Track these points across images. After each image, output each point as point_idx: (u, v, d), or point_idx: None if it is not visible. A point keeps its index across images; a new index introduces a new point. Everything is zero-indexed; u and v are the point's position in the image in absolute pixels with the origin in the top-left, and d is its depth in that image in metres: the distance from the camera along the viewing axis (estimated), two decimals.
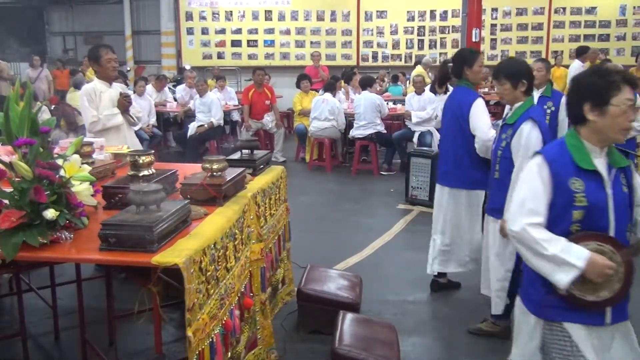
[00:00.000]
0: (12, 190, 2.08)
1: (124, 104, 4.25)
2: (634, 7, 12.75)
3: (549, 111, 4.91)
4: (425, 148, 6.97)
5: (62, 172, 2.23)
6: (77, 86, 9.07)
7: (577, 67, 9.75)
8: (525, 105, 3.09)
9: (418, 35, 13.42)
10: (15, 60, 13.41)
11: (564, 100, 4.89)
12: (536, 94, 4.98)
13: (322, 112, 8.10)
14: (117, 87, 4.40)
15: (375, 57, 13.55)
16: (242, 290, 2.54)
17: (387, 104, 8.42)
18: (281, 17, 13.71)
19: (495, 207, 3.18)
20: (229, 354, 2.32)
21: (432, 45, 13.37)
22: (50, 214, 2.03)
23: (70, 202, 2.17)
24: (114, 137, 4.12)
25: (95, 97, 4.20)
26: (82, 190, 2.31)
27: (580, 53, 9.93)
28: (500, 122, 3.29)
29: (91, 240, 2.06)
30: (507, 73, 3.12)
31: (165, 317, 3.30)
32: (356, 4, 13.43)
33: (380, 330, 3.12)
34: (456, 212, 3.82)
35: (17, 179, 2.10)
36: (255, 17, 13.79)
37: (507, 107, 3.32)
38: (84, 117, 4.29)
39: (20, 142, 2.11)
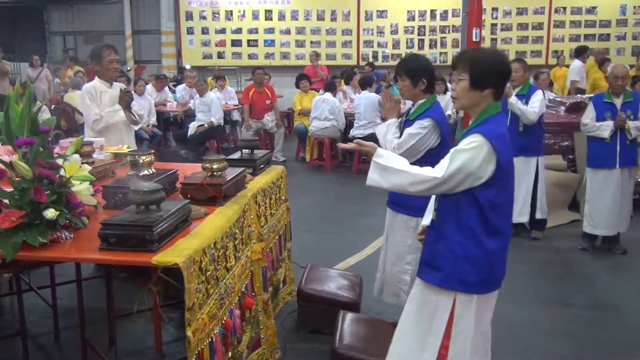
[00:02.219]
0: (12, 190, 2.08)
1: (125, 99, 4.24)
2: (634, 7, 12.75)
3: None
4: None
5: (62, 172, 2.23)
6: (76, 86, 9.10)
7: (577, 66, 9.75)
8: (427, 103, 3.10)
9: (418, 34, 13.41)
10: (15, 60, 13.41)
11: (537, 94, 4.94)
12: (512, 93, 4.99)
13: (323, 111, 8.10)
14: (118, 87, 4.39)
15: (375, 57, 13.54)
16: (243, 290, 2.54)
17: None
18: (281, 17, 13.71)
19: (393, 200, 3.26)
20: (230, 353, 2.32)
21: (433, 45, 13.36)
22: (50, 213, 2.03)
23: (70, 201, 2.17)
24: (112, 137, 4.11)
25: (96, 96, 4.20)
26: (82, 190, 2.31)
27: (580, 53, 9.95)
28: (404, 117, 3.27)
29: (91, 239, 2.06)
30: (407, 69, 3.10)
31: (165, 316, 3.31)
32: (356, 4, 13.42)
33: (380, 330, 3.12)
34: None
35: (17, 179, 2.10)
36: (255, 16, 13.79)
37: (409, 103, 3.33)
38: (86, 116, 4.28)
39: (20, 142, 2.11)
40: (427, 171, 2.14)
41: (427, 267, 2.24)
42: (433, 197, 2.40)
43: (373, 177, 2.23)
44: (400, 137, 3.13)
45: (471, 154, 2.05)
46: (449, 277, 2.15)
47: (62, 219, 2.08)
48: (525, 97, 4.95)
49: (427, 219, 2.38)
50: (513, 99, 4.86)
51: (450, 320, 2.16)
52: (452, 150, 2.11)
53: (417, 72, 3.08)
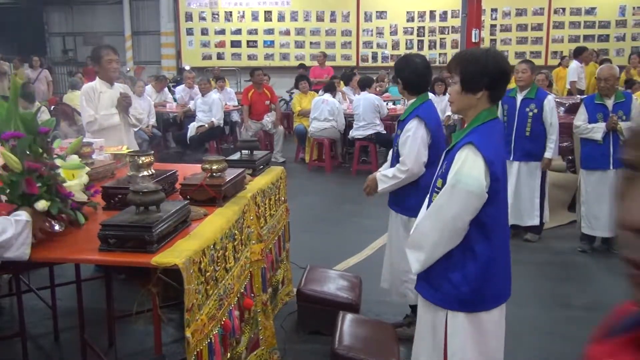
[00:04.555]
0: (2, 186, 2.08)
1: (122, 103, 4.25)
2: (634, 8, 12.76)
3: (530, 113, 4.92)
4: None
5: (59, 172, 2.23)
6: (75, 87, 9.11)
7: (574, 67, 9.78)
8: (416, 103, 3.17)
9: (418, 35, 13.43)
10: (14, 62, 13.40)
11: (549, 102, 4.87)
12: (519, 96, 4.98)
13: (322, 112, 8.10)
14: (119, 88, 4.38)
15: (375, 58, 13.56)
16: (242, 290, 2.54)
17: (387, 104, 8.42)
18: (281, 18, 13.71)
19: (393, 200, 3.30)
20: (229, 354, 2.32)
21: (432, 45, 13.38)
22: (41, 204, 2.02)
23: (60, 193, 2.17)
24: (111, 137, 4.11)
25: (94, 97, 4.20)
26: (73, 185, 2.31)
27: (578, 53, 9.99)
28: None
29: (91, 240, 2.06)
30: (396, 72, 3.25)
31: (165, 317, 3.30)
32: (356, 5, 13.44)
33: (380, 331, 3.12)
34: None
35: (5, 173, 2.09)
36: (254, 17, 13.80)
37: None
38: (82, 117, 4.30)
39: (6, 135, 2.08)
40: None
41: (424, 281, 2.20)
42: (425, 204, 2.38)
43: (415, 263, 2.18)
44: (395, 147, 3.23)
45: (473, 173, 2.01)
46: (445, 297, 2.10)
47: (55, 208, 2.07)
48: (533, 100, 4.90)
49: None
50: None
51: (445, 338, 2.12)
52: (451, 183, 2.04)
53: (396, 73, 3.24)
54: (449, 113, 8.14)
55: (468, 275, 2.05)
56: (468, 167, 1.99)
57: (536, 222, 5.07)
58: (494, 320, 2.14)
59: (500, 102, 5.41)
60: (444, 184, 2.09)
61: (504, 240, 2.13)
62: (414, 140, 3.06)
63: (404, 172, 3.09)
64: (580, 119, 4.75)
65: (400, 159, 3.11)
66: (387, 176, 3.18)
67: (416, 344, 2.33)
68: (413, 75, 3.17)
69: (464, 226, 2.02)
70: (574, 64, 9.87)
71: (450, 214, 2.02)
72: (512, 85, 4.26)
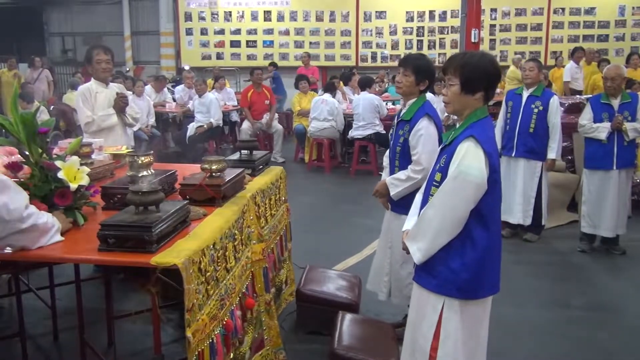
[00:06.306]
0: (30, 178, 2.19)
1: (119, 104, 4.24)
2: (633, 8, 12.78)
3: (536, 110, 4.96)
4: None
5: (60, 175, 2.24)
6: (74, 87, 9.12)
7: (569, 68, 9.81)
8: (419, 102, 3.16)
9: (417, 35, 13.43)
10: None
11: (554, 102, 4.90)
12: (526, 93, 5.01)
13: (322, 112, 8.10)
14: (115, 88, 4.38)
15: (374, 58, 13.57)
16: (244, 290, 2.53)
17: (386, 104, 8.42)
18: (280, 18, 13.72)
19: (396, 202, 3.20)
20: (232, 354, 2.31)
21: (431, 45, 13.39)
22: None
23: (46, 168, 2.25)
24: (107, 137, 4.10)
25: (90, 97, 4.20)
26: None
27: (573, 54, 10.05)
28: (396, 119, 3.30)
29: (90, 240, 2.06)
30: (416, 66, 3.14)
31: (164, 317, 3.30)
32: (355, 5, 13.44)
33: (379, 331, 3.12)
34: None
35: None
36: (254, 17, 13.80)
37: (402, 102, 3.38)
38: (80, 118, 4.29)
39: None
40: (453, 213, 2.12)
41: (422, 271, 2.25)
42: (417, 201, 2.42)
43: (417, 253, 2.21)
44: (396, 144, 3.19)
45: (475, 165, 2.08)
46: (444, 284, 2.16)
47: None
48: (539, 98, 4.94)
49: (409, 223, 2.37)
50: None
51: (439, 323, 2.18)
52: (454, 173, 2.10)
53: (424, 72, 3.14)
54: (447, 113, 8.15)
55: (467, 262, 2.13)
56: (470, 159, 2.08)
57: (528, 222, 5.08)
58: (485, 309, 2.25)
59: (504, 100, 5.39)
60: (442, 177, 2.16)
61: (498, 230, 2.24)
62: (427, 139, 3.03)
63: (419, 172, 3.02)
64: (586, 118, 4.75)
65: (415, 158, 3.07)
66: (399, 179, 3.13)
67: (405, 334, 2.40)
68: (433, 79, 3.20)
69: (466, 215, 2.10)
70: (570, 64, 9.89)
71: (453, 204, 2.10)
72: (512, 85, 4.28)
